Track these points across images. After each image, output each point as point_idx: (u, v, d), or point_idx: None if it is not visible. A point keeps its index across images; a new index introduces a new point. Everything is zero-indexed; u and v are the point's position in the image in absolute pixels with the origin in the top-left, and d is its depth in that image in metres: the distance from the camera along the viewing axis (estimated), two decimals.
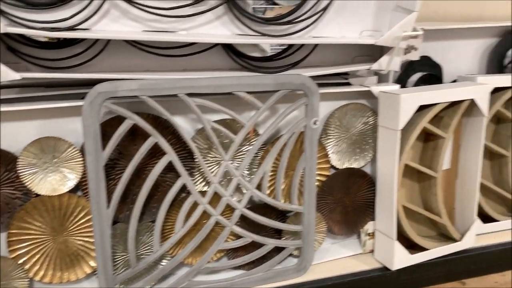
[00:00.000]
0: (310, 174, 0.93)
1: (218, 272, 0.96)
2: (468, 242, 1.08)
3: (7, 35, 0.77)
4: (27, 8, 0.71)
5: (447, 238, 1.09)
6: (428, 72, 1.10)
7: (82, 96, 0.78)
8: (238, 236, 0.94)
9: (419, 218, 1.08)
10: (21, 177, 0.80)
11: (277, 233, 0.99)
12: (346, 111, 1.00)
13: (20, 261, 0.83)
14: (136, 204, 0.84)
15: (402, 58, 0.98)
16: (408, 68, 1.09)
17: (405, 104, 0.91)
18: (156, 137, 0.81)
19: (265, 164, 0.91)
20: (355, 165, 1.04)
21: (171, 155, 0.83)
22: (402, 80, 1.10)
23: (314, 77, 0.89)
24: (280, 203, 0.94)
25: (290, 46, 0.92)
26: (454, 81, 1.13)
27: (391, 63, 0.93)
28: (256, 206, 0.97)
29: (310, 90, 0.88)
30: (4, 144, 0.80)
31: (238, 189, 0.94)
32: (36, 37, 0.81)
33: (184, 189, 0.87)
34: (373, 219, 1.04)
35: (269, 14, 0.88)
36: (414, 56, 1.04)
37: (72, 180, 0.83)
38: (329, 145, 1.01)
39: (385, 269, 1.01)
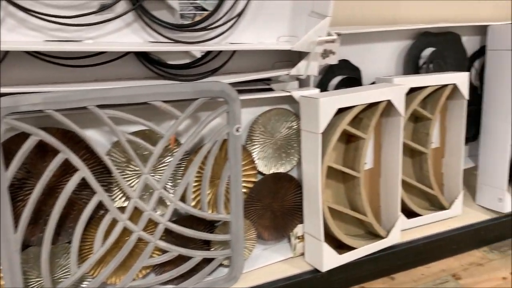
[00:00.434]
0: (235, 182, 0.92)
1: None
2: (394, 238, 1.11)
3: None
4: None
5: (375, 235, 1.12)
6: (348, 75, 1.13)
7: None
8: (164, 251, 0.90)
9: (347, 218, 1.10)
10: None
11: (207, 244, 0.97)
12: (270, 116, 1.00)
13: None
14: (49, 225, 0.78)
15: (320, 62, 0.99)
16: (328, 72, 1.11)
17: (324, 108, 0.92)
18: (65, 153, 0.76)
19: (188, 175, 0.88)
20: (281, 169, 1.04)
21: (84, 171, 0.78)
22: (323, 84, 1.12)
23: (236, 84, 0.88)
24: (206, 214, 0.91)
25: (208, 52, 0.91)
26: (373, 83, 1.17)
27: (309, 68, 0.94)
28: (183, 218, 0.94)
29: (230, 97, 0.87)
30: None
31: (162, 202, 0.91)
32: None
33: (102, 206, 0.83)
34: (302, 222, 1.05)
35: None
36: (333, 60, 1.06)
37: None
38: (255, 151, 1.00)
39: (315, 271, 1.02)
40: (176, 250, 0.89)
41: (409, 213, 1.21)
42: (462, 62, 1.29)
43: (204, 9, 0.88)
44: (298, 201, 1.04)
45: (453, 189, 1.26)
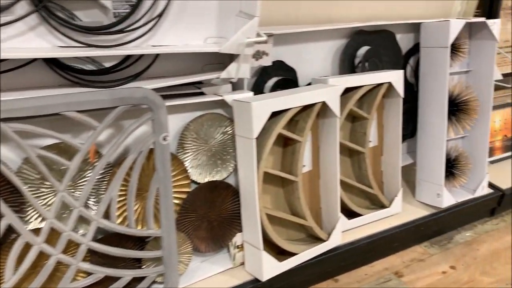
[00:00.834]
0: (165, 194, 0.86)
1: None
2: (335, 240, 1.10)
3: None
4: None
5: (316, 238, 1.09)
6: (283, 76, 1.10)
7: None
8: (90, 272, 0.83)
9: (287, 222, 1.07)
10: None
11: (138, 261, 0.90)
12: (202, 122, 0.95)
13: None
14: None
15: (253, 64, 0.95)
16: (263, 74, 1.07)
17: (257, 112, 0.88)
18: None
19: (111, 189, 0.81)
20: (217, 177, 0.99)
21: None
22: (259, 86, 1.08)
23: (162, 89, 0.82)
24: (134, 230, 0.85)
25: (129, 56, 0.84)
26: (310, 83, 1.15)
27: (240, 71, 0.90)
28: (110, 236, 0.87)
29: (155, 103, 0.81)
30: None
31: (86, 219, 0.84)
32: None
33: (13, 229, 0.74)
34: (241, 230, 1.01)
35: None
36: (267, 61, 1.02)
37: None
38: (187, 160, 0.95)
39: (256, 280, 0.98)
40: (101, 272, 0.82)
41: (351, 213, 1.20)
42: (397, 59, 1.29)
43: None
44: (236, 209, 1.00)
45: (393, 186, 1.27)
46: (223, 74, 0.89)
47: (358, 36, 1.20)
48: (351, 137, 1.21)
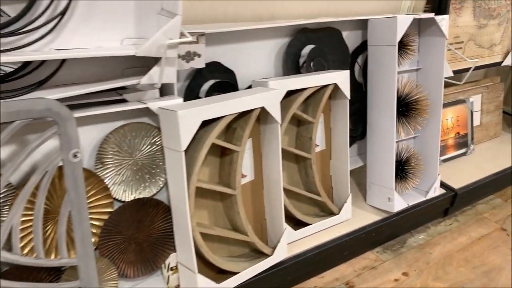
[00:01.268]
0: (80, 218, 0.76)
1: None
2: (280, 255, 1.02)
3: None
4: None
5: (261, 253, 1.02)
6: (220, 79, 1.01)
7: None
8: None
9: (229, 239, 0.98)
10: None
11: None
12: (125, 133, 0.85)
13: None
14: None
15: (182, 67, 0.86)
16: (197, 77, 0.98)
17: (184, 122, 0.79)
18: None
19: (12, 216, 0.70)
20: (145, 193, 0.89)
21: None
22: (193, 90, 0.99)
23: (78, 97, 0.72)
24: (41, 261, 0.74)
25: (29, 62, 0.73)
26: (250, 86, 1.06)
27: (163, 75, 0.80)
28: (17, 267, 0.76)
29: (60, 116, 0.70)
30: None
31: None
32: None
33: None
34: (175, 250, 0.91)
35: None
36: (199, 63, 0.93)
37: None
38: (108, 176, 0.84)
39: None
40: None
41: (299, 222, 1.13)
42: (344, 58, 1.23)
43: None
44: (168, 228, 0.91)
45: (342, 192, 1.21)
46: (144, 80, 0.79)
47: (302, 34, 1.13)
48: (297, 142, 1.13)
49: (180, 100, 0.87)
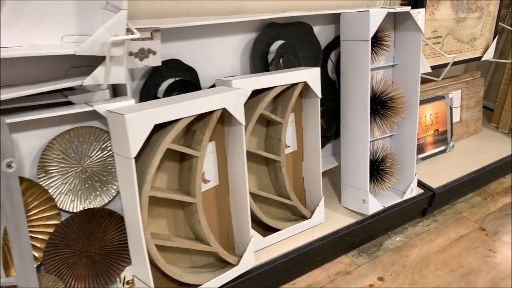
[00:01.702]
0: (18, 233, 0.69)
1: None
2: (247, 264, 0.97)
3: None
4: None
5: (226, 262, 0.96)
6: (181, 77, 0.94)
7: None
8: None
9: (190, 249, 0.92)
10: None
11: None
12: (71, 138, 0.78)
13: None
14: None
15: (135, 66, 0.79)
16: (154, 75, 0.91)
17: (134, 126, 0.72)
18: None
19: None
20: (96, 203, 0.83)
21: None
22: (150, 90, 0.92)
23: (16, 99, 0.65)
24: None
25: None
26: (213, 85, 1.00)
27: (110, 75, 0.73)
28: None
29: None
30: None
31: None
32: None
33: None
34: (131, 263, 0.85)
35: None
36: (155, 61, 0.86)
37: None
38: (53, 186, 0.77)
39: None
40: None
41: (270, 227, 1.08)
42: (316, 54, 1.17)
43: None
44: (123, 240, 0.85)
45: (315, 194, 1.16)
46: (88, 80, 0.72)
47: (270, 29, 1.06)
48: (266, 144, 1.07)
49: (132, 101, 0.80)
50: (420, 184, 1.38)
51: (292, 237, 1.11)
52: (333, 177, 1.41)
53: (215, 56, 1.01)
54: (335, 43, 1.21)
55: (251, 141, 1.05)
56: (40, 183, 0.76)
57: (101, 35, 0.68)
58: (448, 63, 1.44)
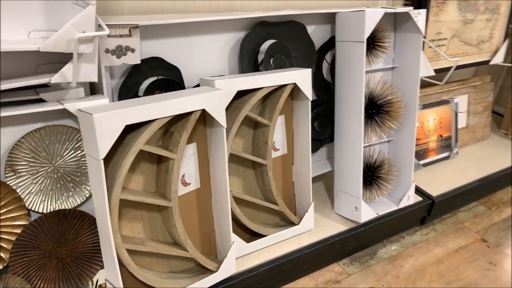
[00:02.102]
0: None
1: None
2: (227, 270, 0.93)
3: None
4: None
5: (205, 269, 0.93)
6: (163, 76, 0.91)
7: None
8: None
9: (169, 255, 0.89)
10: None
11: None
12: (41, 137, 0.76)
13: None
14: None
15: (112, 63, 0.77)
16: (135, 74, 0.89)
17: (102, 126, 0.70)
18: None
19: None
20: (68, 204, 0.80)
21: None
22: (131, 88, 0.89)
23: None
24: None
25: None
26: (198, 85, 0.96)
27: (80, 73, 0.71)
28: None
29: None
30: None
31: None
32: None
33: None
34: (103, 267, 0.83)
35: None
36: (133, 59, 0.83)
37: None
38: (22, 185, 0.75)
39: None
40: None
41: (256, 233, 1.04)
42: (310, 55, 1.13)
43: None
44: (96, 242, 0.82)
45: (305, 200, 1.12)
46: (55, 78, 0.69)
47: (260, 28, 1.03)
48: (253, 146, 1.04)
49: (106, 100, 0.77)
50: (419, 191, 1.33)
51: (279, 243, 1.07)
52: (328, 182, 1.37)
53: (201, 55, 0.97)
54: (331, 43, 1.16)
55: (238, 143, 1.02)
56: (8, 183, 0.74)
57: (67, 31, 0.65)
58: (452, 67, 1.38)
